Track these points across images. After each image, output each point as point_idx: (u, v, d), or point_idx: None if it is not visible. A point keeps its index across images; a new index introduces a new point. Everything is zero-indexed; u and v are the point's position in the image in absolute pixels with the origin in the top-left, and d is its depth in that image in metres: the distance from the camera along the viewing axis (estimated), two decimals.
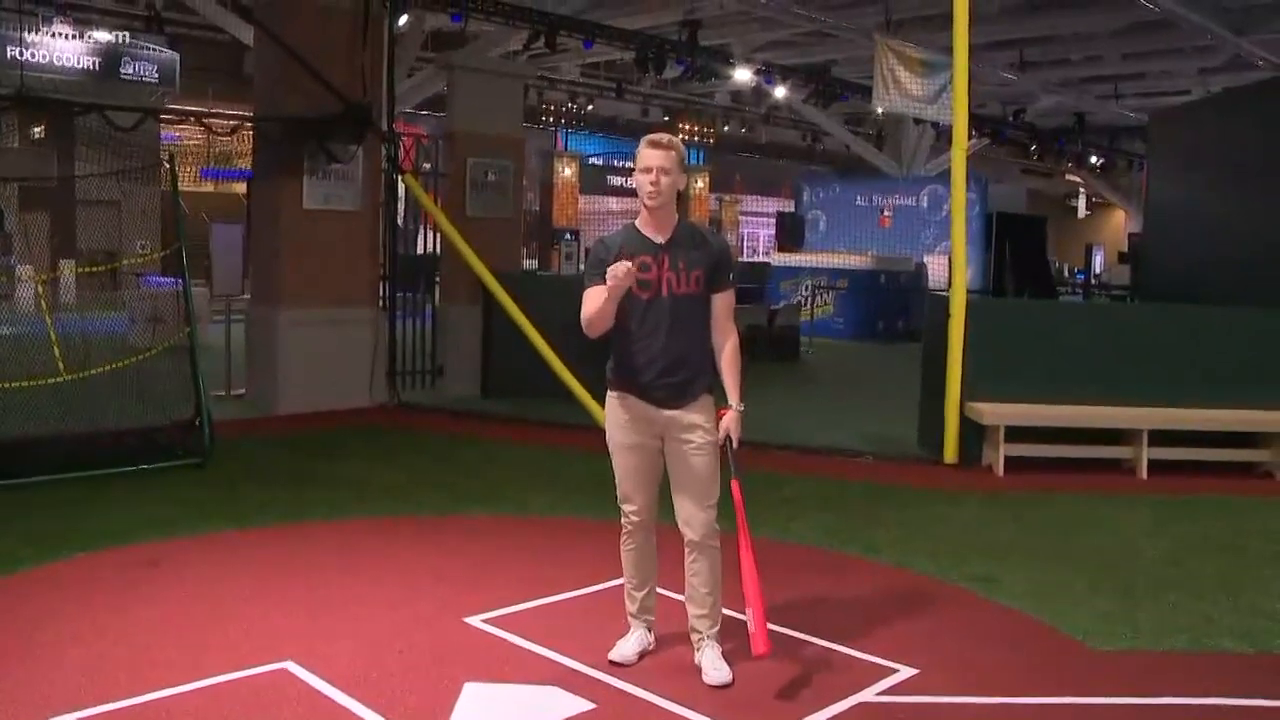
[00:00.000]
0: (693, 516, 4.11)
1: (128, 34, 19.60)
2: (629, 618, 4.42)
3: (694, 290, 4.11)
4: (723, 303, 4.18)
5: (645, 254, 4.08)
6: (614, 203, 31.27)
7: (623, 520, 4.31)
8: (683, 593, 4.31)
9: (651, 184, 4.04)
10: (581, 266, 26.01)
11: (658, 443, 4.18)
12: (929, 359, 8.99)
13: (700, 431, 4.10)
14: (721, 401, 4.16)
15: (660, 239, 4.11)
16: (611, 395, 4.24)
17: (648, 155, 4.06)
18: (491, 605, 4.90)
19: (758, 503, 6.98)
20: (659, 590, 4.45)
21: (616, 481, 4.29)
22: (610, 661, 4.29)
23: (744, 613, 4.02)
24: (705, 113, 28.20)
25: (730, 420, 4.10)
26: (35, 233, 10.22)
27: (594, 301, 4.06)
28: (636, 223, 4.19)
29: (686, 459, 4.11)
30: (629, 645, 4.35)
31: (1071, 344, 8.56)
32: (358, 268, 10.31)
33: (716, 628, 4.22)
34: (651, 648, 4.41)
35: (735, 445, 4.12)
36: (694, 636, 4.25)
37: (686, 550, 4.16)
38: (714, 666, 4.13)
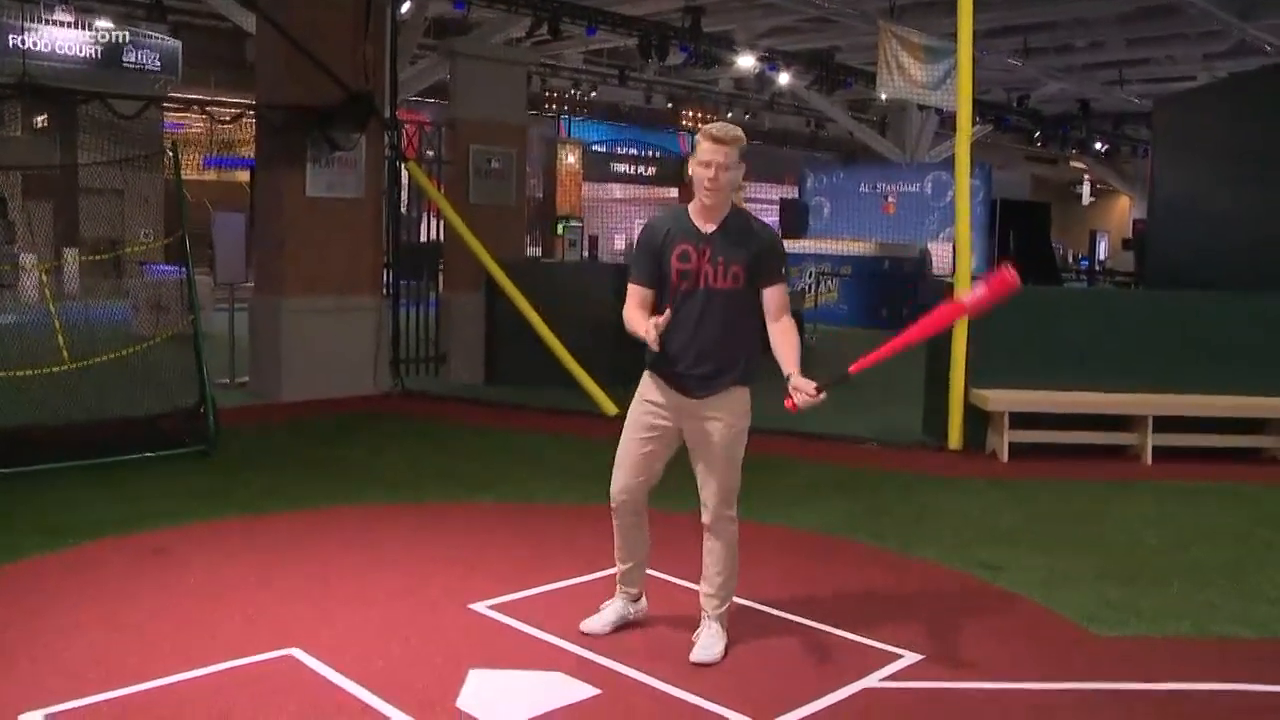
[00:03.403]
0: (707, 499, 4.18)
1: (129, 27, 19.58)
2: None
3: (731, 285, 4.08)
4: (773, 297, 4.13)
5: (688, 242, 4.09)
6: (617, 189, 31.26)
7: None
8: (695, 580, 4.35)
9: (710, 180, 4.03)
10: (585, 254, 26.09)
11: (671, 432, 4.20)
12: (933, 346, 8.96)
13: (718, 423, 4.11)
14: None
15: (708, 229, 4.10)
16: (645, 374, 4.28)
17: (708, 150, 4.04)
18: (496, 592, 4.90)
19: (762, 490, 7.01)
20: (668, 576, 4.46)
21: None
22: (581, 631, 4.38)
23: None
24: (708, 99, 28.15)
25: (801, 391, 3.94)
26: (38, 221, 10.22)
27: (631, 317, 4.10)
28: (689, 207, 4.18)
29: (703, 443, 4.15)
30: (604, 615, 4.44)
31: (1076, 331, 8.54)
32: (361, 255, 10.30)
33: (723, 609, 4.26)
34: (632, 620, 4.47)
35: (817, 393, 3.95)
36: (702, 615, 4.30)
37: (703, 529, 4.23)
38: (703, 645, 4.18)
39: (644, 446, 4.23)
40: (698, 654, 4.15)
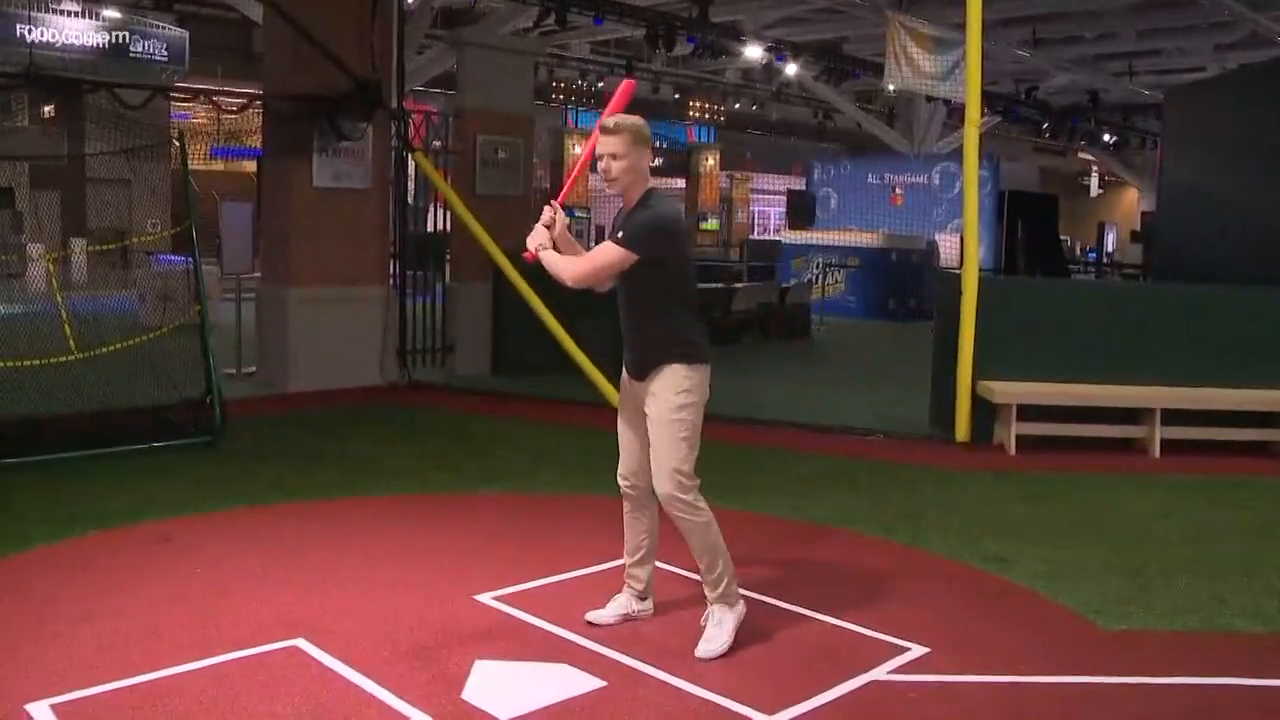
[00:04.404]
0: (655, 483, 4.17)
1: (135, 16, 19.58)
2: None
3: (630, 268, 4.15)
4: (600, 247, 4.19)
5: (615, 230, 4.21)
6: None
7: None
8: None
9: (602, 170, 4.13)
10: (591, 244, 26.14)
11: (631, 412, 4.30)
12: (940, 337, 8.96)
13: (653, 400, 4.15)
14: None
15: (623, 217, 4.22)
16: None
17: (599, 141, 4.13)
18: (502, 583, 4.90)
19: (768, 482, 7.01)
20: (677, 569, 4.45)
21: None
22: (586, 622, 4.41)
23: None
24: (715, 90, 28.05)
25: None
26: (46, 211, 10.22)
27: None
28: None
29: (647, 423, 4.19)
30: (609, 608, 4.47)
31: (1084, 323, 8.51)
32: (368, 246, 10.28)
33: (716, 593, 4.22)
34: (638, 615, 4.48)
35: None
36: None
37: None
38: (706, 638, 4.17)
39: (629, 430, 4.35)
40: (701, 650, 4.12)
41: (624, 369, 4.34)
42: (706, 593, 4.26)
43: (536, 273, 4.25)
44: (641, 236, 4.08)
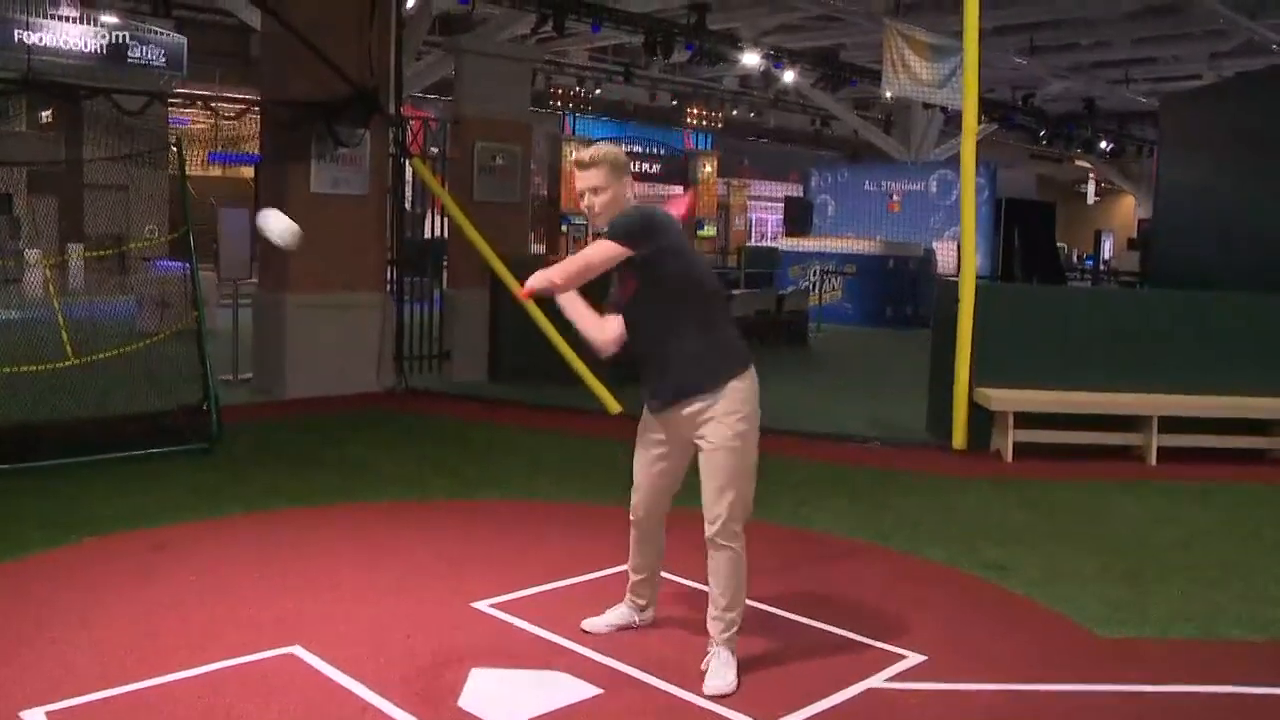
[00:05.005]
0: (706, 511, 3.98)
1: (134, 22, 19.60)
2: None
3: (632, 291, 3.99)
4: (592, 244, 3.97)
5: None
6: None
7: None
8: (703, 580, 4.21)
9: (587, 207, 4.03)
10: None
11: (662, 448, 4.13)
12: (938, 345, 8.97)
13: (707, 426, 3.94)
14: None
15: None
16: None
17: (577, 178, 4.04)
18: (499, 590, 4.89)
19: (765, 490, 6.99)
20: (678, 578, 4.43)
21: None
22: (581, 630, 4.37)
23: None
24: (713, 97, 28.11)
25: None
26: (43, 217, 10.20)
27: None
28: None
29: (700, 455, 4.00)
30: (607, 617, 4.43)
31: (1080, 330, 8.52)
32: (365, 252, 10.28)
33: (728, 634, 4.02)
34: (637, 625, 4.44)
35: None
36: (709, 640, 4.09)
37: (706, 544, 4.05)
38: (714, 673, 3.95)
39: (654, 466, 4.18)
40: (708, 685, 3.89)
41: (644, 402, 4.16)
42: (712, 630, 4.03)
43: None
44: (625, 228, 3.86)
